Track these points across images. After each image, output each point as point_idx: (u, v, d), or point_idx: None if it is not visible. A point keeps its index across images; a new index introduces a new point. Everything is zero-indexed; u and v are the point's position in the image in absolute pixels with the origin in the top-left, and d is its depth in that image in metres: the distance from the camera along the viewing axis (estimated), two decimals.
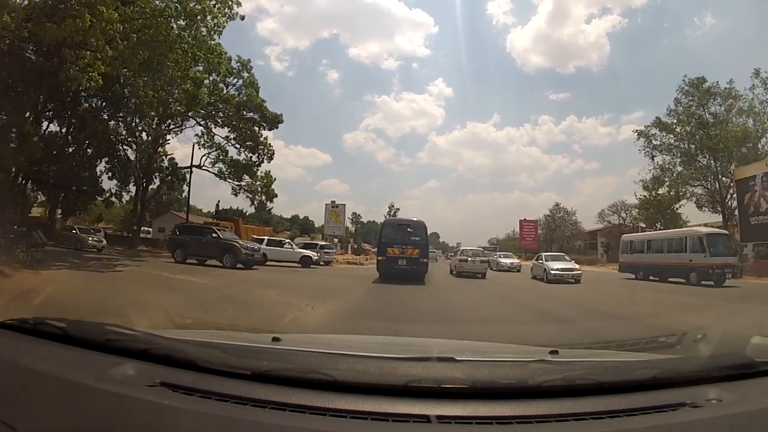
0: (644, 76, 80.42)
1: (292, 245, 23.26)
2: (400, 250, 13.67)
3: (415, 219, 15.76)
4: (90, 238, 23.68)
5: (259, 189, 29.44)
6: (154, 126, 27.31)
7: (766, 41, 55.62)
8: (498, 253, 32.37)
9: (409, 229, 14.41)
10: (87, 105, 24.54)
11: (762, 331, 3.29)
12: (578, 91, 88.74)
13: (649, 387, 1.20)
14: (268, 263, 19.54)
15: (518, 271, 25.61)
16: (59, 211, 29.73)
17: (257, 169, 29.24)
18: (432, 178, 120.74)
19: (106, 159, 27.89)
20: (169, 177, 31.97)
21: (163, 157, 30.59)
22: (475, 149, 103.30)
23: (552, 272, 17.09)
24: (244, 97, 27.34)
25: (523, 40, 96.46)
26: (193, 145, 29.89)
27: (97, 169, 28.36)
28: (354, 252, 53.16)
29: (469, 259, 18.55)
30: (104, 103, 24.34)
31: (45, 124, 22.71)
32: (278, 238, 25.42)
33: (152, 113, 23.25)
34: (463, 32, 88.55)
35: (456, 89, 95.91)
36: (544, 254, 20.67)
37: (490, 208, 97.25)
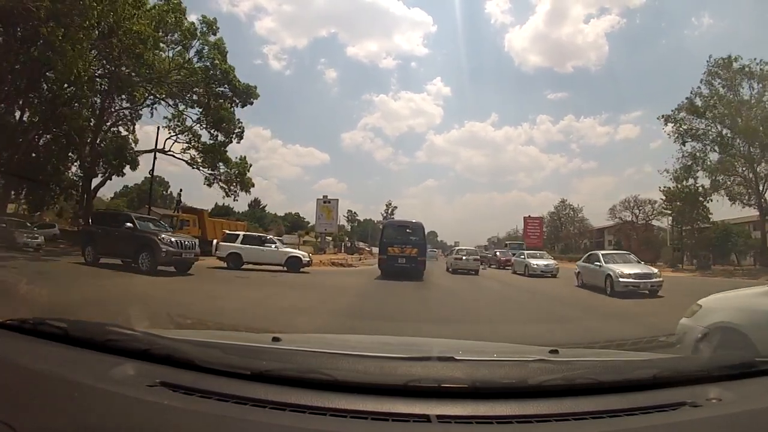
0: (642, 76, 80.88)
1: (276, 243, 18.00)
2: (400, 249, 15.08)
3: (414, 220, 17.20)
4: (25, 235, 18.87)
5: (234, 177, 26.01)
6: (97, 100, 22.32)
7: (764, 41, 55.92)
8: (524, 251, 26.19)
9: (408, 230, 15.91)
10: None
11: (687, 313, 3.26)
12: (576, 91, 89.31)
13: (649, 386, 1.20)
14: (245, 267, 16.14)
15: (554, 275, 19.87)
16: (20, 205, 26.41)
17: (226, 150, 25.83)
18: (430, 177, 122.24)
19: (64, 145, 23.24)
20: (117, 161, 25.84)
21: (125, 141, 25.76)
22: (473, 148, 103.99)
23: (621, 281, 11.95)
24: (207, 62, 23.26)
25: (521, 40, 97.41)
26: (158, 128, 25.78)
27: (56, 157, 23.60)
28: (347, 250, 50.12)
29: (464, 257, 21.32)
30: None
31: None
32: (257, 234, 20.07)
33: (80, 76, 16.74)
34: (461, 31, 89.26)
35: (454, 88, 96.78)
36: (601, 253, 14.47)
37: (488, 207, 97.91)
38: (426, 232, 17.39)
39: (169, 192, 52.70)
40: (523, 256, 23.13)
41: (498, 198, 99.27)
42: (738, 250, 32.62)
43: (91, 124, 23.35)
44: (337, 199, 53.76)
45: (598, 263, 13.50)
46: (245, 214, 62.23)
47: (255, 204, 68.91)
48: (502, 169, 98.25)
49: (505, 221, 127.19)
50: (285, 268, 16.41)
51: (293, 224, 66.93)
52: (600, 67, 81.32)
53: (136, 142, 26.97)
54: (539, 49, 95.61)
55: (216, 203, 55.95)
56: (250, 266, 16.32)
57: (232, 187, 26.88)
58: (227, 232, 19.63)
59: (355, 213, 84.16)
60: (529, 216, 53.91)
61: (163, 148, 25.91)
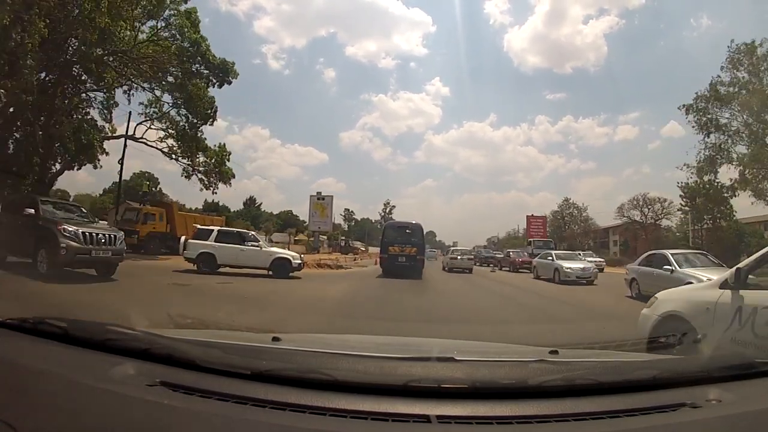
0: (641, 77, 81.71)
1: (259, 242, 14.62)
2: (400, 249, 16.10)
3: (413, 221, 18.20)
4: None
5: (213, 167, 23.20)
6: (47, 75, 18.15)
7: (763, 42, 55.73)
8: (551, 251, 20.45)
9: (407, 231, 16.92)
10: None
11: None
12: (575, 92, 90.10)
13: (649, 387, 1.20)
14: (222, 270, 13.23)
15: (591, 282, 16.11)
16: None
17: (203, 135, 23.02)
18: (428, 177, 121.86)
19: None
20: (75, 150, 21.36)
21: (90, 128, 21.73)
22: (472, 149, 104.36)
23: None
24: (175, 31, 20.35)
25: (520, 40, 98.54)
26: (129, 114, 23.29)
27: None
28: (341, 250, 45.82)
29: (458, 257, 23.31)
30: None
31: None
32: (236, 230, 16.03)
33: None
34: (460, 32, 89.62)
35: (453, 88, 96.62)
36: (669, 252, 11.45)
37: (486, 208, 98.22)
38: (425, 232, 18.45)
39: (158, 188, 50.62)
40: (551, 257, 18.26)
41: (497, 198, 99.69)
42: (750, 251, 30.99)
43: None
44: (332, 196, 50.45)
45: (668, 267, 10.36)
46: (240, 213, 61.16)
47: (250, 202, 67.76)
48: (500, 170, 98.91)
49: (504, 221, 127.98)
50: (270, 273, 13.45)
51: (286, 222, 63.82)
52: (599, 67, 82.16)
53: (113, 131, 23.68)
54: (538, 50, 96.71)
55: (206, 200, 53.97)
56: (229, 270, 13.45)
57: (211, 179, 23.73)
58: (198, 227, 16.35)
59: (352, 212, 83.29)
60: (533, 215, 51.96)
61: (134, 134, 23.05)
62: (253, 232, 17.31)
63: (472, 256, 25.73)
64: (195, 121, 22.57)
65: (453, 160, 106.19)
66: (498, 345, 2.65)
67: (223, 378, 1.14)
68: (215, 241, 13.70)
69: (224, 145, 24.51)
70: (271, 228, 57.54)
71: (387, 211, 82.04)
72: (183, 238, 14.66)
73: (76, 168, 22.88)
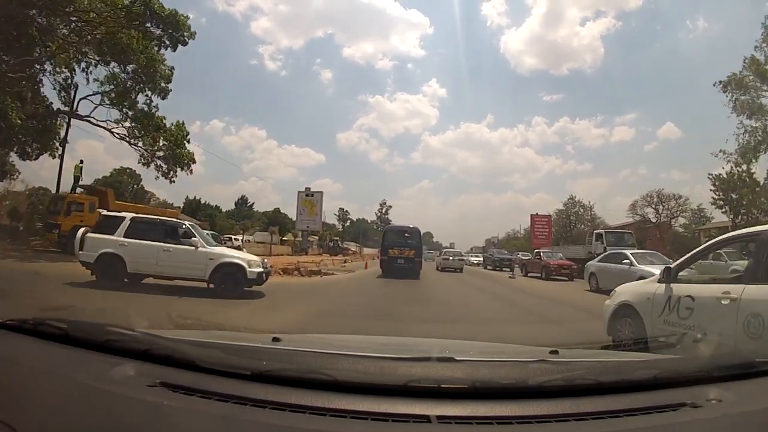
0: (637, 79, 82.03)
1: (197, 238, 8.92)
2: (399, 251, 16.97)
3: (411, 226, 19.00)
4: None
5: (169, 150, 19.92)
6: None
7: (759, 44, 55.94)
8: (627, 251, 13.78)
9: (406, 234, 17.91)
10: None
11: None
12: (572, 93, 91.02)
13: (649, 387, 1.20)
14: (146, 281, 8.73)
15: None
16: None
17: (153, 109, 19.50)
18: (425, 178, 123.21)
19: None
20: (25, 136, 17.73)
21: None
22: (469, 150, 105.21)
23: None
24: None
25: (517, 42, 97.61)
26: (75, 87, 19.82)
27: None
28: (330, 251, 40.92)
29: (450, 258, 25.69)
30: None
31: None
32: (159, 218, 10.43)
33: None
34: (457, 33, 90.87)
35: (450, 90, 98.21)
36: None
37: (483, 209, 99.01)
38: (422, 234, 19.48)
39: (140, 186, 48.37)
40: (626, 260, 12.48)
41: (493, 199, 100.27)
42: None
43: None
44: (321, 192, 46.43)
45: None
46: (232, 213, 59.53)
47: (242, 202, 66.06)
48: (497, 171, 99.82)
49: (501, 223, 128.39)
50: (211, 286, 8.67)
51: (272, 221, 57.61)
52: (595, 69, 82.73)
53: (75, 115, 20.11)
54: (535, 52, 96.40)
55: (187, 196, 52.25)
56: (153, 281, 8.74)
57: (169, 166, 20.35)
58: (104, 213, 11.50)
59: (346, 212, 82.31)
60: (537, 214, 48.10)
61: (74, 107, 19.71)
62: (188, 223, 10.82)
63: (463, 258, 27.63)
64: (149, 94, 19.32)
65: (450, 162, 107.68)
66: (498, 345, 2.65)
67: (223, 378, 1.14)
68: (125, 236, 8.76)
69: (182, 123, 20.58)
70: (251, 226, 53.57)
71: (383, 211, 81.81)
72: (80, 231, 9.23)
73: (33, 158, 20.02)
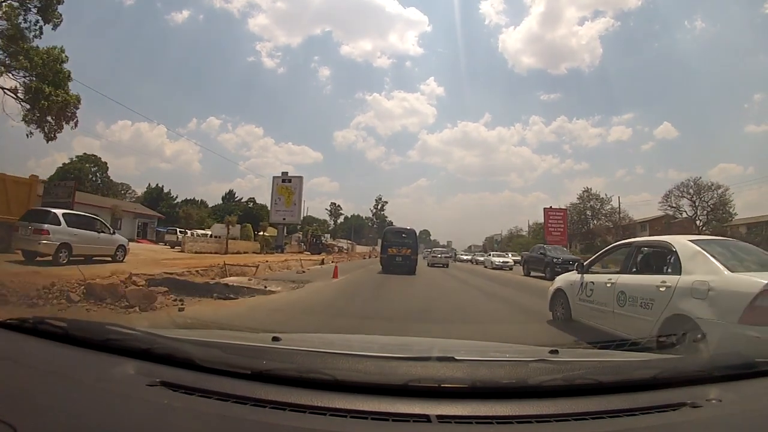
0: (635, 79, 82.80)
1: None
2: (397, 250, 18.94)
3: (408, 227, 21.61)
4: None
5: (36, 85, 14.07)
6: None
7: (756, 45, 56.30)
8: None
9: (403, 235, 20.13)
10: None
11: None
12: (569, 93, 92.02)
13: (649, 387, 1.20)
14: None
15: None
16: None
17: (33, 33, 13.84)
18: (422, 177, 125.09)
19: None
20: None
21: None
22: (466, 148, 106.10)
23: None
24: None
25: (515, 41, 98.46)
26: None
27: None
28: (311, 249, 36.19)
29: (438, 255, 30.97)
30: None
31: None
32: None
33: None
34: (456, 32, 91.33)
35: (448, 88, 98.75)
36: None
37: (479, 207, 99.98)
38: (418, 233, 21.94)
39: (105, 175, 45.42)
40: None
41: (490, 198, 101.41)
42: None
43: None
44: (301, 177, 39.14)
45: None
46: (219, 207, 54.65)
47: (229, 197, 62.11)
48: (494, 170, 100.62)
49: (497, 221, 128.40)
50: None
51: (245, 213, 50.10)
52: (593, 69, 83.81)
53: None
54: (533, 51, 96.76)
55: (149, 184, 48.51)
56: None
57: (35, 111, 14.63)
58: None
59: (338, 207, 79.89)
60: (551, 207, 43.21)
61: None
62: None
63: (449, 255, 34.46)
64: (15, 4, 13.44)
65: (447, 160, 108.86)
66: (498, 345, 2.65)
67: (223, 378, 1.14)
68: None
69: (61, 48, 14.34)
70: (207, 218, 45.80)
71: (379, 207, 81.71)
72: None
73: None
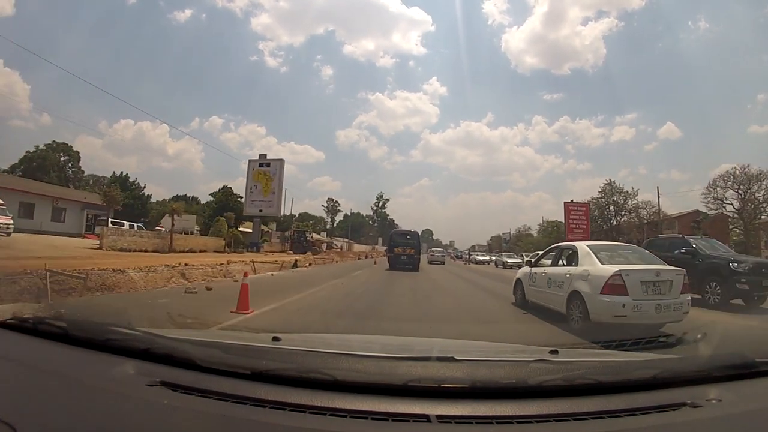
0: (638, 79, 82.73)
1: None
2: (402, 250, 21.74)
3: (412, 230, 24.89)
4: None
5: None
6: None
7: (759, 45, 56.36)
8: None
9: (408, 237, 23.10)
10: None
11: None
12: (572, 93, 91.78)
13: (649, 387, 1.20)
14: None
15: None
16: None
17: None
18: (425, 176, 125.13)
19: None
20: None
21: None
22: (469, 148, 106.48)
23: None
24: None
25: (518, 41, 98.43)
26: None
27: None
28: (295, 248, 31.29)
29: (436, 254, 35.91)
30: None
31: None
32: None
33: None
34: (459, 31, 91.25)
35: (451, 88, 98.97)
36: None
37: (482, 207, 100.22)
38: (420, 232, 27.70)
39: (77, 165, 42.66)
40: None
41: (492, 198, 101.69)
42: None
43: None
44: (282, 161, 33.01)
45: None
46: (207, 205, 48.74)
47: (225, 194, 60.66)
48: (496, 170, 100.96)
49: (499, 221, 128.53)
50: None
51: (221, 205, 42.53)
52: (596, 69, 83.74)
53: None
54: (536, 51, 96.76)
55: (114, 172, 42.81)
56: None
57: None
58: None
59: (336, 203, 76.52)
60: (572, 201, 38.47)
61: None
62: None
63: (445, 254, 40.57)
64: None
65: (449, 160, 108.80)
66: (498, 345, 2.65)
67: (223, 378, 1.14)
68: None
69: None
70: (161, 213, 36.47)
71: (380, 205, 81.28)
72: None
73: None
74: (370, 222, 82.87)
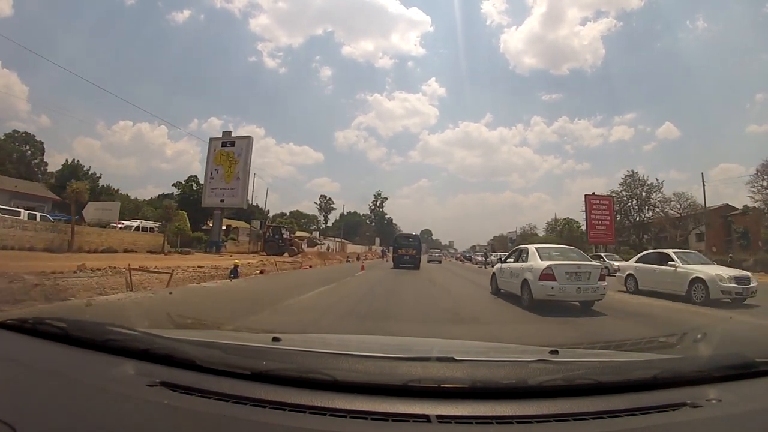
0: (637, 79, 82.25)
1: None
2: (405, 251, 24.36)
3: (414, 233, 28.12)
4: None
5: None
6: None
7: (757, 45, 56.56)
8: None
9: (410, 239, 25.79)
10: None
11: None
12: (571, 93, 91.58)
13: (649, 387, 1.20)
14: None
15: None
16: None
17: None
18: (423, 177, 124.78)
19: None
20: None
21: None
22: (467, 149, 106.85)
23: None
24: None
25: (517, 41, 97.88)
26: None
27: None
28: (269, 249, 26.59)
29: (434, 255, 41.88)
30: None
31: None
32: None
33: None
34: (458, 32, 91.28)
35: (450, 88, 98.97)
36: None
37: (480, 208, 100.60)
38: (421, 232, 31.13)
39: (40, 157, 38.71)
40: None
41: (491, 198, 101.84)
42: None
43: None
44: (249, 138, 27.50)
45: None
46: (170, 197, 40.24)
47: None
48: (495, 170, 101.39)
49: (498, 222, 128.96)
50: None
51: (185, 197, 34.73)
52: (595, 69, 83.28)
53: None
54: (535, 51, 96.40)
55: (67, 160, 37.73)
56: None
57: None
58: None
59: (330, 200, 74.63)
60: (593, 194, 34.19)
61: None
62: None
63: (441, 254, 45.18)
64: None
65: (448, 160, 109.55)
66: (498, 345, 2.64)
67: (223, 378, 1.14)
68: None
69: None
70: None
71: (378, 204, 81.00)
72: None
73: None
74: (367, 221, 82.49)
